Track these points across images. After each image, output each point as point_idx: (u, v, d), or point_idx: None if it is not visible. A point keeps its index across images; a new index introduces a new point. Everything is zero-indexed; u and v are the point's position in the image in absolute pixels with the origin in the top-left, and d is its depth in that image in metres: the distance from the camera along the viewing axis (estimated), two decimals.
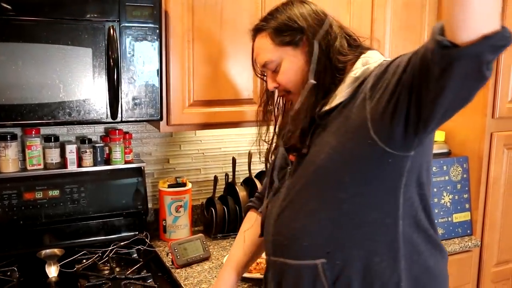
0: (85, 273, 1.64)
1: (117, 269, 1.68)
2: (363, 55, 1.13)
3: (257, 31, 1.22)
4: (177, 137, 2.10)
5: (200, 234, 1.85)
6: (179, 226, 1.96)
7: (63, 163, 1.84)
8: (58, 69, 1.47)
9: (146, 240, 1.90)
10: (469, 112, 2.14)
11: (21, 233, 1.76)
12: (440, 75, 0.84)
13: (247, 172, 2.12)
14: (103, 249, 1.80)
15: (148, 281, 1.61)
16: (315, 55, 1.12)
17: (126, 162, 1.93)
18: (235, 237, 1.97)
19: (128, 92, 1.59)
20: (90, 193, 1.83)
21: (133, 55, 1.57)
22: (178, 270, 1.70)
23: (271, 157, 1.33)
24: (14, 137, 1.75)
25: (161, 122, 1.71)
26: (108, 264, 1.72)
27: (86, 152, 1.85)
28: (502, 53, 0.97)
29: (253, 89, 1.85)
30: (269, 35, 1.18)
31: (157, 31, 1.59)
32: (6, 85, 1.42)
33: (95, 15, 1.49)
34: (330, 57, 1.13)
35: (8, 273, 1.63)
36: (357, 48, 1.16)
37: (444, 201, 2.12)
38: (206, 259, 1.79)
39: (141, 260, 1.76)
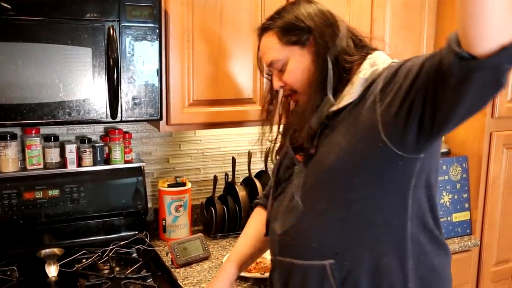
0: (85, 273, 1.64)
1: (117, 269, 1.69)
2: (369, 56, 1.13)
3: (263, 30, 1.22)
4: (176, 137, 2.10)
5: (200, 234, 1.85)
6: (178, 225, 1.96)
7: (63, 163, 1.84)
8: (58, 68, 1.47)
9: (146, 239, 1.90)
10: None
11: (21, 233, 1.76)
12: (458, 85, 0.84)
13: (247, 171, 2.12)
14: (103, 249, 1.80)
15: (148, 281, 1.61)
16: (330, 71, 1.11)
17: (126, 162, 1.93)
18: (234, 237, 2.00)
19: (128, 91, 1.59)
20: (90, 193, 1.83)
21: (133, 54, 1.57)
22: (177, 270, 1.70)
23: (275, 156, 1.34)
24: (14, 136, 1.75)
25: (160, 122, 1.71)
26: (108, 264, 1.72)
27: (86, 152, 1.85)
28: None
29: (253, 89, 1.85)
30: (276, 34, 1.18)
31: (157, 30, 1.59)
32: (5, 85, 1.42)
33: (95, 15, 1.49)
34: (337, 57, 1.12)
35: (8, 273, 1.63)
36: (363, 49, 1.16)
37: (444, 201, 2.12)
38: (205, 258, 1.79)
39: (140, 259, 1.76)
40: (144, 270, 1.68)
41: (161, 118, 1.67)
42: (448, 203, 2.13)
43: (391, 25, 2.09)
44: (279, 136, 1.33)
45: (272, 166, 2.16)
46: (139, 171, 1.94)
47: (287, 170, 1.25)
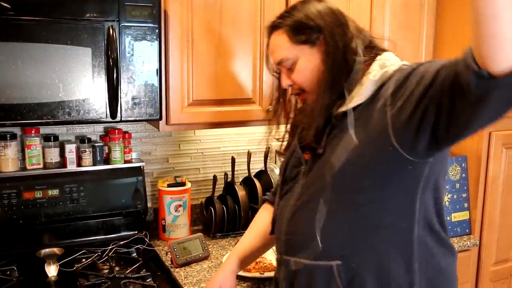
0: (85, 272, 1.64)
1: (117, 268, 1.69)
2: (379, 57, 1.13)
3: (273, 28, 1.21)
4: (176, 137, 2.10)
5: (199, 234, 1.85)
6: (178, 225, 1.97)
7: (63, 163, 1.84)
8: (58, 68, 1.47)
9: (146, 239, 1.90)
10: None
11: (21, 233, 1.76)
12: (476, 103, 0.85)
13: (246, 171, 2.13)
14: (103, 248, 1.80)
15: (147, 280, 1.61)
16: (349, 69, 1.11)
17: (126, 162, 1.93)
18: (234, 236, 2.00)
19: (127, 91, 1.59)
20: (90, 193, 1.84)
21: (132, 54, 1.57)
22: (177, 269, 1.71)
23: (282, 155, 1.34)
24: (13, 136, 1.75)
25: (160, 122, 1.71)
26: (108, 263, 1.72)
27: (86, 152, 1.85)
28: None
29: (253, 89, 1.85)
30: (285, 32, 1.17)
31: (157, 30, 1.59)
32: (5, 85, 1.42)
33: (95, 15, 1.50)
34: (346, 58, 1.12)
35: (8, 272, 1.63)
36: (372, 49, 1.16)
37: (443, 201, 2.12)
38: (205, 258, 1.79)
39: (140, 259, 1.76)
40: (144, 270, 1.68)
41: (160, 118, 1.67)
42: (447, 203, 2.13)
43: (391, 25, 2.10)
44: (286, 135, 1.34)
45: (272, 166, 2.17)
46: (138, 171, 1.94)
47: (294, 169, 1.25)
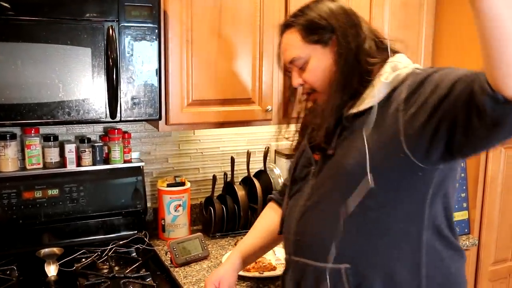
0: (84, 272, 1.65)
1: (116, 268, 1.69)
2: (390, 59, 1.12)
3: (286, 27, 1.21)
4: (176, 137, 2.10)
5: (199, 233, 1.85)
6: (178, 225, 1.97)
7: (62, 163, 1.84)
8: (57, 68, 1.48)
9: (145, 239, 1.91)
10: None
11: (21, 232, 1.77)
12: (493, 125, 0.85)
13: (246, 171, 2.13)
14: (102, 248, 1.80)
15: (147, 280, 1.61)
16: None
17: (125, 162, 1.94)
18: (233, 236, 2.00)
19: (127, 91, 1.59)
20: (89, 192, 1.84)
21: (132, 54, 1.58)
22: (177, 269, 1.71)
23: (292, 154, 1.34)
24: (13, 136, 1.76)
25: (160, 122, 1.72)
26: (107, 263, 1.72)
27: (85, 152, 1.85)
28: None
29: (252, 89, 1.85)
30: (298, 31, 1.17)
31: (156, 31, 1.60)
32: (5, 85, 1.42)
33: (94, 15, 1.50)
34: (359, 59, 1.11)
35: (8, 272, 1.64)
36: (384, 51, 1.15)
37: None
38: (204, 258, 1.80)
39: (140, 259, 1.76)
40: (143, 270, 1.69)
41: (160, 118, 1.67)
42: None
43: (390, 25, 2.10)
44: (296, 134, 1.33)
45: (271, 166, 2.18)
46: (138, 171, 1.94)
47: (304, 169, 1.24)
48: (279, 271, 1.66)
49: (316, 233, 1.14)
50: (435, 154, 0.98)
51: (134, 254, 1.83)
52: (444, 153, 0.97)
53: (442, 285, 1.13)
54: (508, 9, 0.75)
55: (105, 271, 1.68)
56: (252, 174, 2.14)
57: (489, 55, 0.78)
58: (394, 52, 1.16)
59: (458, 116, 0.90)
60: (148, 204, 2.03)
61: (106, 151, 1.92)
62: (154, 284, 1.58)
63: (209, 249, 1.84)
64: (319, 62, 1.15)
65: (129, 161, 1.95)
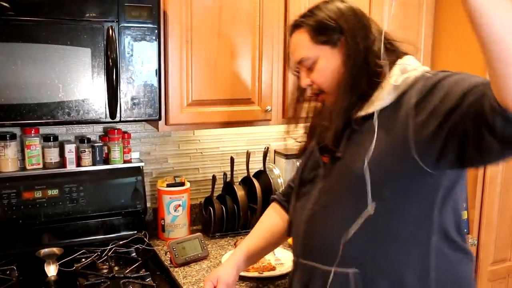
0: (84, 272, 1.65)
1: (116, 268, 1.69)
2: (399, 61, 1.11)
3: (295, 27, 1.20)
4: (175, 137, 2.11)
5: (199, 233, 1.86)
6: (177, 225, 1.97)
7: (62, 163, 1.84)
8: (57, 69, 1.48)
9: (145, 239, 1.91)
10: None
11: (20, 232, 1.77)
12: (504, 142, 0.85)
13: (245, 171, 2.13)
14: (102, 248, 1.80)
15: (147, 280, 1.62)
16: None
17: (125, 162, 1.94)
18: (233, 236, 2.00)
19: (127, 92, 1.59)
20: (89, 193, 1.84)
21: (132, 55, 1.58)
22: (176, 269, 1.71)
23: (299, 155, 1.33)
24: (13, 136, 1.76)
25: (159, 122, 1.72)
26: (107, 263, 1.73)
27: (85, 152, 1.86)
28: None
29: (252, 89, 1.85)
30: (307, 32, 1.16)
31: (156, 31, 1.60)
32: (5, 85, 1.43)
33: (94, 15, 1.50)
34: (367, 60, 1.11)
35: (8, 272, 1.64)
36: (393, 53, 1.14)
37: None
38: (204, 258, 1.80)
39: (139, 259, 1.77)
40: (143, 270, 1.69)
41: (160, 118, 1.68)
42: None
43: (389, 25, 2.10)
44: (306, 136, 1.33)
45: (271, 166, 2.18)
46: (138, 171, 1.95)
47: (311, 171, 1.24)
48: (279, 271, 1.66)
49: (324, 237, 1.14)
50: (445, 163, 0.98)
51: (134, 254, 1.83)
52: (455, 163, 0.97)
53: None
54: (508, 26, 0.75)
55: (105, 271, 1.68)
56: (251, 174, 2.14)
57: (494, 74, 0.78)
58: (403, 53, 1.15)
59: (469, 131, 0.90)
60: (148, 204, 2.03)
61: (106, 151, 1.92)
62: (154, 284, 1.58)
63: (208, 249, 1.85)
64: (327, 63, 1.15)
65: (129, 161, 1.95)
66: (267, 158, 2.17)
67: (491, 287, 2.30)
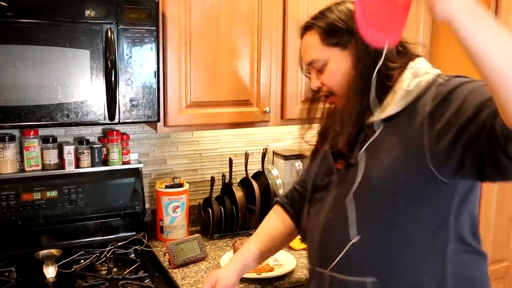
0: (83, 274, 1.65)
1: (115, 269, 1.69)
2: (411, 64, 1.10)
3: (306, 28, 1.19)
4: (174, 138, 2.11)
5: (197, 234, 1.86)
6: (176, 226, 1.97)
7: (61, 164, 1.84)
8: (56, 71, 1.48)
9: (144, 240, 1.91)
10: None
11: (19, 234, 1.77)
12: None
13: (244, 172, 2.14)
14: (101, 250, 1.81)
15: (145, 281, 1.62)
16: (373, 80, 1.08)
17: (124, 163, 1.94)
18: (231, 237, 2.01)
19: (125, 93, 1.60)
20: (88, 194, 1.84)
21: (130, 57, 1.58)
22: (175, 270, 1.71)
23: (312, 159, 1.32)
24: (12, 138, 1.76)
25: (158, 123, 1.72)
26: (106, 265, 1.73)
27: (84, 153, 1.86)
28: None
29: (250, 90, 1.86)
30: (317, 33, 1.15)
31: (154, 33, 1.60)
32: (4, 87, 1.43)
33: (93, 18, 1.50)
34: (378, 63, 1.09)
35: (6, 274, 1.64)
36: (405, 55, 1.13)
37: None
38: (203, 259, 1.80)
39: (138, 260, 1.77)
40: (142, 271, 1.69)
41: (158, 120, 1.68)
42: None
43: None
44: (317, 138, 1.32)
45: (269, 167, 2.18)
46: (136, 172, 1.95)
47: (325, 178, 1.22)
48: (277, 272, 1.67)
49: (341, 246, 1.13)
50: (461, 176, 0.98)
51: (133, 255, 1.83)
52: (472, 177, 0.97)
53: None
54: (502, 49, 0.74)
55: (104, 272, 1.69)
56: (250, 175, 2.15)
57: (497, 102, 0.78)
58: (415, 56, 1.14)
59: (484, 149, 0.89)
60: (147, 206, 2.04)
61: (105, 152, 1.92)
62: (153, 286, 1.58)
63: (207, 250, 1.85)
64: (337, 65, 1.14)
65: (128, 163, 1.95)
66: (266, 159, 2.18)
67: None
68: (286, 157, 2.18)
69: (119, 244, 1.86)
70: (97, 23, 1.51)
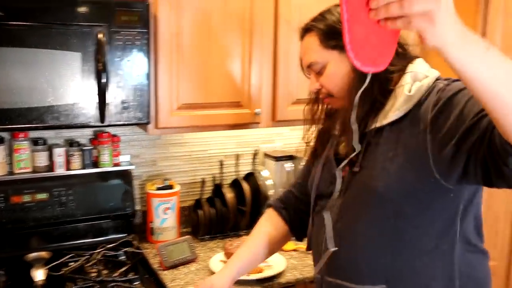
0: (72, 276, 1.65)
1: (104, 272, 1.69)
2: (410, 67, 1.10)
3: (306, 30, 1.18)
4: (165, 140, 2.11)
5: (187, 236, 1.86)
6: (166, 228, 1.98)
7: (51, 166, 1.84)
8: (47, 73, 1.48)
9: (134, 242, 1.91)
10: None
11: (9, 237, 1.76)
12: None
13: (235, 174, 2.14)
14: (91, 252, 1.80)
15: (135, 283, 1.62)
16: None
17: (114, 165, 1.94)
18: (222, 239, 2.01)
19: (116, 95, 1.60)
20: (78, 196, 1.84)
21: (121, 59, 1.58)
22: (165, 272, 1.72)
23: (312, 162, 1.32)
24: (1, 140, 1.75)
25: (149, 125, 1.73)
26: (96, 267, 1.73)
27: (74, 155, 1.85)
28: None
29: (241, 92, 1.87)
30: (317, 36, 1.14)
31: (146, 35, 1.61)
32: None
33: (84, 20, 1.50)
34: None
35: None
36: (404, 57, 1.12)
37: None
38: (192, 260, 1.81)
39: (128, 262, 1.77)
40: (132, 273, 1.69)
41: (149, 122, 1.69)
42: None
43: None
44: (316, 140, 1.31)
45: (260, 168, 2.19)
46: (127, 174, 1.95)
47: (330, 185, 1.20)
48: (266, 273, 1.67)
49: (350, 255, 1.13)
50: (467, 183, 0.99)
51: (123, 257, 1.83)
52: (478, 183, 0.97)
53: None
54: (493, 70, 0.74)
55: (94, 274, 1.68)
56: (241, 176, 2.15)
57: (494, 121, 0.79)
58: (414, 57, 1.14)
59: (487, 159, 0.90)
60: (137, 207, 2.04)
61: (95, 154, 1.92)
62: None
63: (197, 251, 1.85)
64: (336, 68, 1.13)
65: (118, 165, 1.95)
66: (257, 160, 2.18)
67: None
68: (277, 159, 2.18)
69: (109, 246, 1.86)
70: (88, 26, 1.51)
